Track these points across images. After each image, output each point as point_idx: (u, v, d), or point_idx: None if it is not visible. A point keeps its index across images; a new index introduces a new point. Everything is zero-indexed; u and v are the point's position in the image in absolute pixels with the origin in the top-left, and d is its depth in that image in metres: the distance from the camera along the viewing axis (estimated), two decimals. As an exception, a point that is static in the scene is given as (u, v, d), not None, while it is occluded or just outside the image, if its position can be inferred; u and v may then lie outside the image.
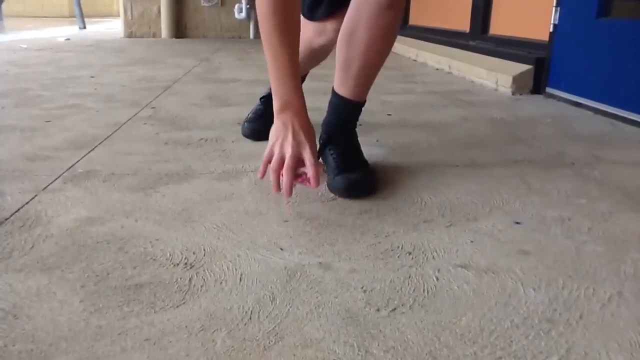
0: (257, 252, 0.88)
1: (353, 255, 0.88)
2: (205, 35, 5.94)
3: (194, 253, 0.87)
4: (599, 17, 2.11)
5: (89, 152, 1.42)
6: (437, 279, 0.81)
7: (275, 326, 0.68)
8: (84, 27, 7.24)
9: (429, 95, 2.43)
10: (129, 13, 5.80)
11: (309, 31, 1.42)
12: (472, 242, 0.93)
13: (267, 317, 0.70)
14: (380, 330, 0.68)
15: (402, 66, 3.54)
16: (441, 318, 0.71)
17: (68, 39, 5.33)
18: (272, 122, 1.10)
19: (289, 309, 0.72)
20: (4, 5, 9.17)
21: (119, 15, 6.04)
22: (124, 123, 1.76)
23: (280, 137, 1.06)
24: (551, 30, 2.39)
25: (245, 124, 1.61)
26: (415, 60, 3.89)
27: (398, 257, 0.88)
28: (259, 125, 1.56)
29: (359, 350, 0.64)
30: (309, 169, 1.05)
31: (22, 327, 0.67)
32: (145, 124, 1.76)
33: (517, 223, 1.01)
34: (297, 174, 1.08)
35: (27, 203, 1.07)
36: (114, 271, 0.81)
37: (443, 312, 0.72)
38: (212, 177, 1.25)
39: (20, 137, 1.55)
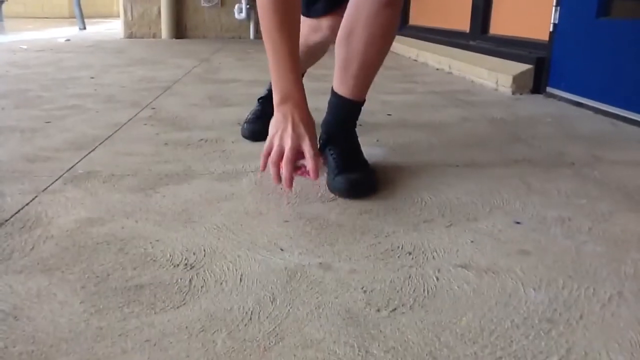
0: (258, 253, 0.88)
1: (353, 256, 0.88)
2: (205, 35, 5.94)
3: (194, 254, 0.87)
4: (599, 16, 2.11)
5: (89, 152, 1.42)
6: (437, 279, 0.81)
7: (275, 327, 0.68)
8: (84, 28, 7.24)
9: (429, 95, 2.43)
10: (129, 14, 5.81)
11: (305, 28, 1.42)
12: (472, 242, 0.93)
13: (267, 317, 0.70)
14: (380, 331, 0.68)
15: (402, 66, 3.54)
16: (441, 318, 0.71)
17: (68, 40, 5.34)
18: (271, 123, 1.10)
19: (289, 310, 0.72)
20: (4, 6, 9.18)
21: (119, 16, 6.04)
22: (124, 124, 1.76)
23: (280, 129, 1.06)
24: (551, 29, 2.39)
25: (245, 125, 1.61)
26: (415, 60, 3.89)
27: (398, 257, 0.88)
28: (257, 126, 1.56)
29: (359, 351, 0.64)
30: (308, 162, 1.04)
31: (22, 329, 0.67)
32: (145, 124, 1.76)
33: (518, 223, 1.01)
34: (296, 166, 1.07)
35: (27, 204, 1.07)
36: (114, 272, 0.81)
37: (443, 312, 0.72)
38: (212, 177, 1.25)
39: (20, 138, 1.55)
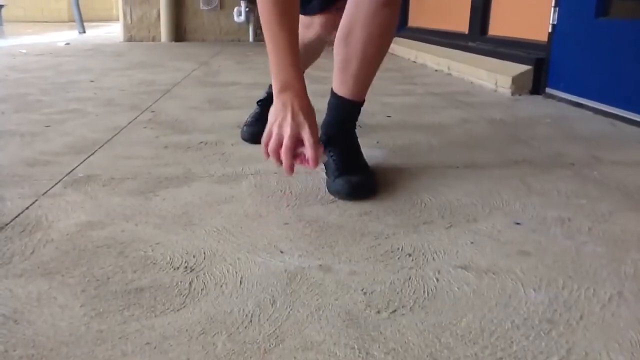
0: (257, 255, 0.88)
1: (353, 258, 0.88)
2: (205, 38, 5.95)
3: (194, 256, 0.88)
4: (598, 17, 2.11)
5: (89, 156, 1.42)
6: (438, 280, 0.81)
7: (275, 329, 0.68)
8: (84, 32, 7.25)
9: (429, 96, 2.43)
10: (128, 17, 5.81)
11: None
12: (472, 243, 0.93)
13: (267, 320, 0.70)
14: (380, 332, 0.68)
15: (401, 68, 3.54)
16: (442, 319, 0.71)
17: (68, 44, 5.34)
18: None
19: (289, 312, 0.72)
20: (3, 10, 9.19)
21: (118, 20, 6.05)
22: (124, 127, 1.76)
23: (280, 117, 1.05)
24: (550, 30, 2.39)
25: (244, 127, 1.61)
26: (414, 62, 3.89)
27: (398, 258, 0.88)
28: (257, 129, 1.56)
29: (359, 353, 0.64)
30: (308, 150, 1.03)
31: (22, 332, 0.67)
32: (145, 127, 1.76)
33: (517, 224, 1.01)
34: (296, 154, 1.06)
35: (27, 208, 1.07)
36: (114, 275, 0.81)
37: (443, 313, 0.72)
38: (212, 180, 1.25)
39: (20, 142, 1.55)
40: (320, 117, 1.26)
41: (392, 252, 0.90)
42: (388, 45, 1.21)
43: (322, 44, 1.54)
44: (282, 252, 0.89)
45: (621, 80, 1.97)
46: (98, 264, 0.84)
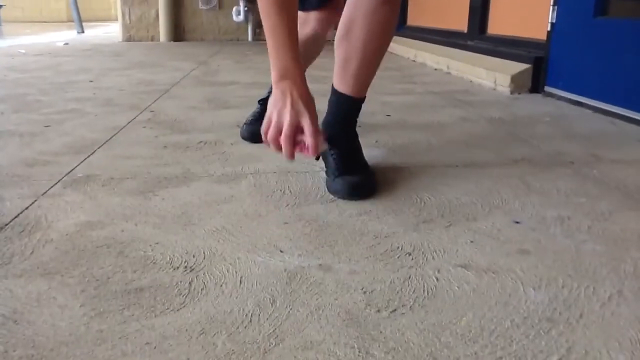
0: (257, 255, 0.88)
1: (353, 257, 0.88)
2: (204, 38, 5.94)
3: (193, 256, 0.87)
4: (597, 15, 2.11)
5: (88, 156, 1.42)
6: (437, 279, 0.81)
7: (275, 329, 0.68)
8: (83, 32, 7.25)
9: (428, 95, 2.43)
10: (127, 17, 5.81)
11: None
12: (471, 242, 0.93)
13: (267, 319, 0.70)
14: (380, 332, 0.68)
15: (401, 67, 3.54)
16: (441, 318, 0.71)
17: (66, 44, 5.34)
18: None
19: (289, 312, 0.72)
20: (2, 11, 9.18)
21: (117, 20, 6.04)
22: (123, 127, 1.76)
23: (279, 105, 1.03)
24: (549, 29, 2.39)
25: (244, 126, 1.61)
26: (414, 61, 3.89)
27: (398, 257, 0.88)
28: (256, 128, 1.55)
29: (359, 352, 0.64)
30: (307, 138, 1.02)
31: (22, 333, 0.67)
32: (144, 127, 1.76)
33: (517, 223, 1.01)
34: (296, 142, 1.04)
35: (26, 208, 1.07)
36: (114, 275, 0.81)
37: (443, 312, 0.72)
38: (212, 180, 1.25)
39: (20, 143, 1.55)
40: (321, 118, 1.26)
41: (391, 251, 0.90)
42: (388, 43, 1.21)
43: (319, 40, 1.54)
44: (281, 251, 0.89)
45: (620, 78, 1.97)
46: (98, 264, 0.84)
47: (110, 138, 1.61)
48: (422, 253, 0.89)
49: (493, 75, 2.62)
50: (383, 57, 1.22)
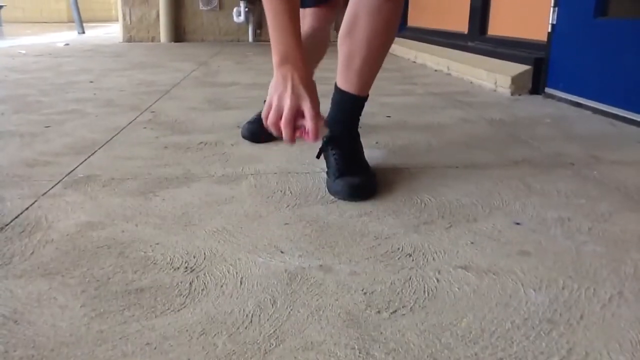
0: (258, 255, 0.88)
1: (353, 258, 0.88)
2: (204, 39, 5.95)
3: (194, 257, 0.88)
4: (597, 16, 2.12)
5: (89, 157, 1.42)
6: (438, 280, 0.81)
7: (276, 329, 0.68)
8: (83, 32, 7.25)
9: (428, 96, 2.44)
10: (127, 18, 5.81)
11: None
12: (472, 243, 0.93)
13: (267, 320, 0.70)
14: (381, 333, 0.68)
15: (401, 67, 3.54)
16: (442, 319, 0.71)
17: (67, 44, 5.34)
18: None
19: (289, 312, 0.72)
20: (2, 11, 9.19)
21: (117, 20, 6.05)
22: (124, 127, 1.76)
23: (280, 89, 1.03)
24: (549, 30, 2.40)
25: (246, 125, 1.61)
26: (414, 62, 3.89)
27: (398, 259, 0.88)
28: (256, 127, 1.56)
29: (359, 353, 0.64)
30: (308, 123, 1.01)
31: (23, 333, 0.67)
32: (144, 128, 1.76)
33: (517, 224, 1.02)
34: (296, 127, 1.03)
35: (27, 208, 1.07)
36: (114, 276, 0.81)
37: (444, 313, 0.72)
38: (212, 180, 1.25)
39: (20, 143, 1.55)
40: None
41: (392, 252, 0.90)
42: (392, 40, 1.21)
43: (319, 38, 1.54)
44: (282, 252, 0.89)
45: (620, 79, 1.97)
46: (98, 265, 0.84)
47: (111, 139, 1.62)
48: (423, 254, 0.89)
49: (493, 77, 2.62)
50: (386, 55, 1.22)
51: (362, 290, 0.78)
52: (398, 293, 0.77)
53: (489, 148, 1.55)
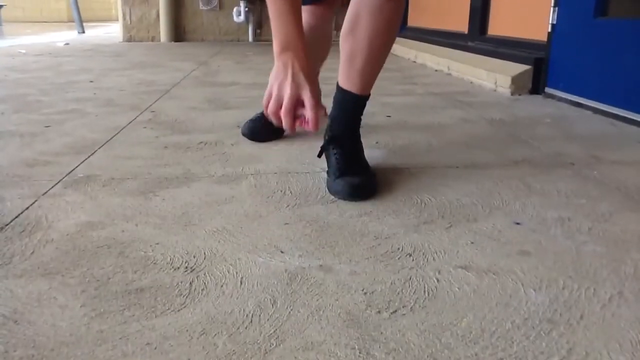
0: (258, 255, 0.88)
1: (353, 258, 0.88)
2: (204, 38, 5.95)
3: (194, 257, 0.87)
4: (597, 16, 2.12)
5: (89, 156, 1.42)
6: (438, 280, 0.81)
7: (276, 329, 0.68)
8: (83, 32, 7.25)
9: (429, 96, 2.44)
10: (127, 17, 5.81)
11: None
12: (472, 243, 0.93)
13: (268, 320, 0.70)
14: (381, 333, 0.68)
15: (401, 67, 3.54)
16: (442, 319, 0.71)
17: (67, 44, 5.34)
18: (271, 123, 1.09)
19: (289, 312, 0.72)
20: (2, 11, 9.19)
21: (117, 20, 6.05)
22: (124, 127, 1.76)
23: (280, 78, 1.02)
24: (549, 30, 2.40)
25: (246, 123, 1.61)
26: (414, 62, 3.89)
27: (398, 258, 0.88)
28: (257, 125, 1.57)
29: (360, 353, 0.64)
30: (308, 112, 1.01)
31: (23, 333, 0.67)
32: (144, 128, 1.76)
33: (517, 224, 1.01)
34: (296, 116, 1.03)
35: (27, 208, 1.07)
36: (114, 275, 0.81)
37: (444, 313, 0.72)
38: (212, 180, 1.25)
39: (20, 143, 1.55)
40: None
41: (392, 252, 0.90)
42: (393, 39, 1.21)
43: (319, 36, 1.54)
44: (282, 252, 0.89)
45: (620, 79, 1.97)
46: (98, 264, 0.84)
47: (111, 138, 1.62)
48: (423, 254, 0.89)
49: (493, 77, 2.62)
50: (388, 54, 1.22)
51: (362, 290, 0.78)
52: (398, 293, 0.77)
53: (489, 148, 1.55)
